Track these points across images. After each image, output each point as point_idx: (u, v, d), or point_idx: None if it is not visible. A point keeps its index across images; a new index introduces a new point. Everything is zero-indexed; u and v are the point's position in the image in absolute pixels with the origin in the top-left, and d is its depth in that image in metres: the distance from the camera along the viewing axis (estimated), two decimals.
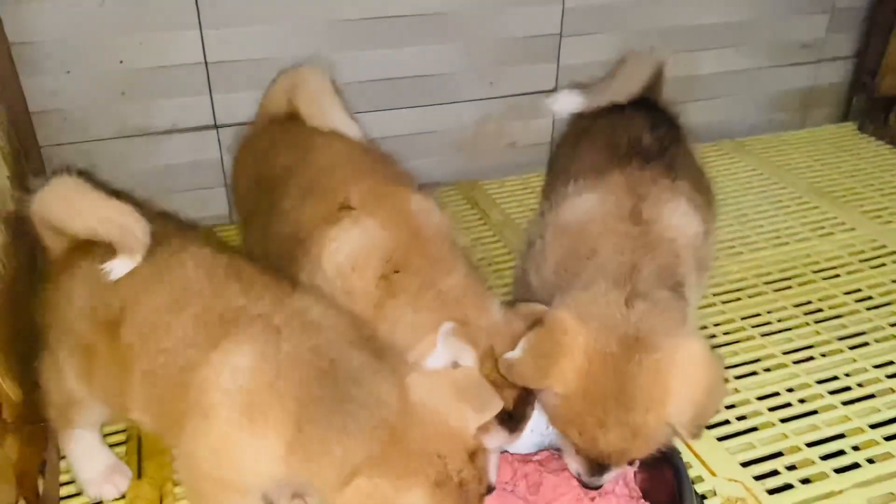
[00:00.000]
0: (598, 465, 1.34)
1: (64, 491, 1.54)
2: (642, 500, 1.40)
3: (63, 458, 1.57)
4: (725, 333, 1.95)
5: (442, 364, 1.31)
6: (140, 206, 1.36)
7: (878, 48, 2.96)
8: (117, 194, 1.35)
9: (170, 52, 2.20)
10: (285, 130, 1.72)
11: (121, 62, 2.17)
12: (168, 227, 1.41)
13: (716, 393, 1.29)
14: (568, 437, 1.32)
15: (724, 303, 2.06)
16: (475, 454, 1.17)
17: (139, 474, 1.57)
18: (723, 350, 1.89)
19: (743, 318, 2.00)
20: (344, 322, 1.26)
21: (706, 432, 1.64)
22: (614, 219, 1.44)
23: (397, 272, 1.37)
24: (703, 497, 1.50)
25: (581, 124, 1.81)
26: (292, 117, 1.77)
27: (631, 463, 1.36)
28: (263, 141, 1.76)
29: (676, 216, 1.47)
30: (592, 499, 1.39)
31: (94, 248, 1.32)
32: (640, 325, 1.28)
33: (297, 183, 1.53)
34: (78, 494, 1.53)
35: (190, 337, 1.21)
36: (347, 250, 1.39)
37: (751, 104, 3.03)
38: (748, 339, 1.94)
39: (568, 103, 1.84)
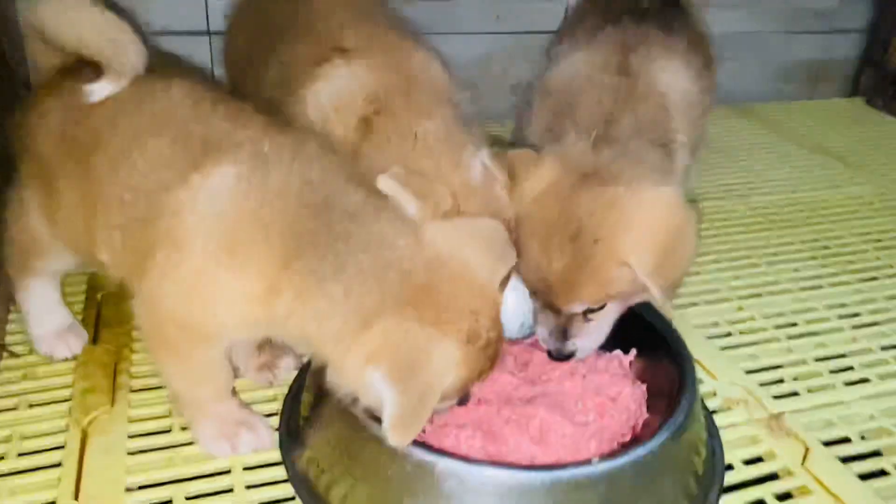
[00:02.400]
0: (561, 330, 1.26)
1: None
2: (638, 382, 1.29)
3: (11, 309, 1.46)
4: (732, 261, 1.86)
5: None
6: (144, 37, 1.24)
7: (890, 21, 2.90)
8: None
9: None
10: None
11: None
12: (165, 64, 1.29)
13: (685, 241, 1.20)
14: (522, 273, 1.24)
15: (727, 234, 1.97)
16: (499, 314, 1.07)
17: (95, 340, 1.45)
18: (728, 275, 1.79)
19: (750, 248, 1.91)
20: (341, 161, 1.13)
21: (708, 342, 1.55)
22: (599, 72, 1.37)
23: (378, 113, 1.25)
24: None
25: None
26: None
27: (588, 313, 1.25)
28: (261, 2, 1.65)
29: (668, 72, 1.39)
30: (584, 375, 1.28)
31: (81, 71, 1.19)
32: (605, 166, 1.21)
33: (293, 27, 1.41)
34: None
35: (166, 158, 1.08)
36: (332, 90, 1.28)
37: (757, 70, 2.96)
38: (753, 265, 1.84)
39: None
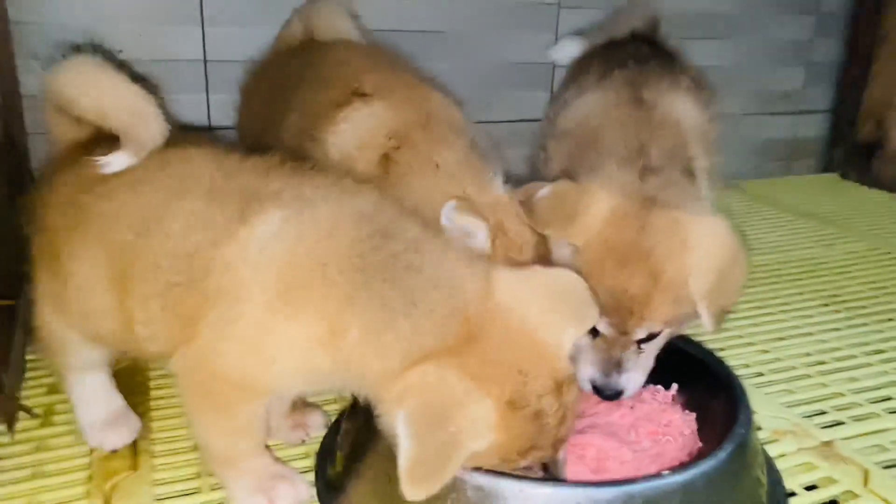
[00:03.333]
0: (614, 362, 1.23)
1: None
2: (686, 411, 1.25)
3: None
4: (747, 311, 1.85)
5: None
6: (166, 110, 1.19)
7: (853, 101, 3.06)
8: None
9: (170, 46, 2.18)
10: (300, 47, 1.66)
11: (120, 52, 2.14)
12: (185, 136, 1.23)
13: (737, 269, 1.23)
14: None
15: None
16: (563, 385, 0.94)
17: None
18: (746, 323, 1.79)
19: (761, 300, 1.92)
20: (386, 194, 1.08)
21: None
22: (614, 106, 1.42)
23: (398, 148, 1.29)
24: None
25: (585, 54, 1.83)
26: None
27: (644, 340, 1.24)
28: (276, 63, 1.70)
29: (679, 102, 1.46)
30: (631, 406, 1.24)
31: (96, 143, 1.15)
32: (658, 193, 1.24)
33: (311, 78, 1.46)
34: None
35: (205, 218, 1.02)
36: (354, 131, 1.32)
37: (734, 150, 3.06)
38: (768, 315, 1.84)
39: (569, 49, 1.87)
